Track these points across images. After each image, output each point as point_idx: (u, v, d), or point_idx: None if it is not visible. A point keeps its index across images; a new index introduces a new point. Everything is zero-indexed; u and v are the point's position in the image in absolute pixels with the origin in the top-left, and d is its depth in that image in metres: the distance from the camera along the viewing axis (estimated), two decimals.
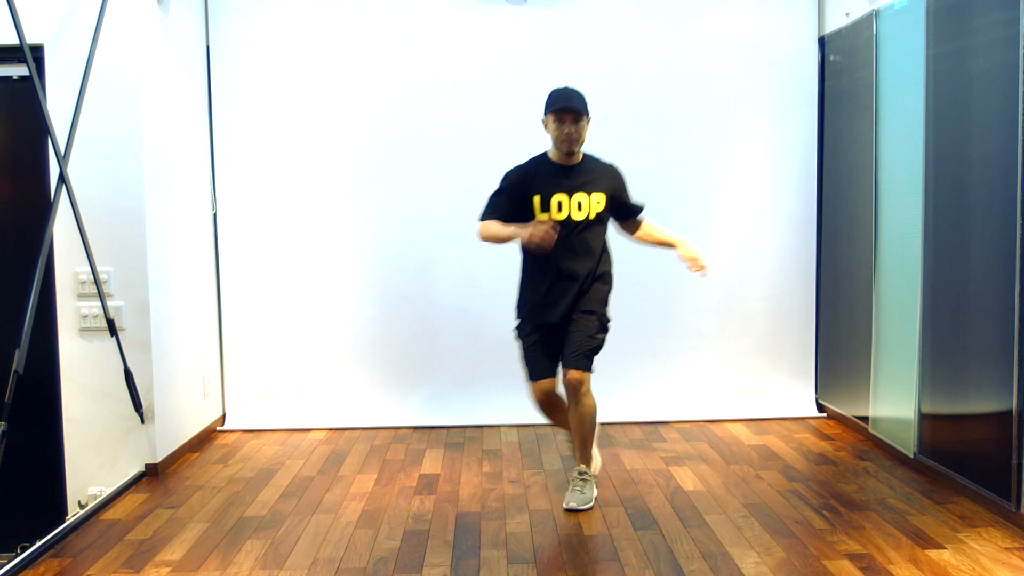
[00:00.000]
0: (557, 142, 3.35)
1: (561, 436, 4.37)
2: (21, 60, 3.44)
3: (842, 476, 3.67)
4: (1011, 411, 3.07)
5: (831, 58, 4.61)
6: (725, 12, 4.69)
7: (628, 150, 4.70)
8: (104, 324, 3.65)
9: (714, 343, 4.79)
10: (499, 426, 4.58)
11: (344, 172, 4.68)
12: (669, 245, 3.53)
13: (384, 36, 4.61)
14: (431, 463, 3.97)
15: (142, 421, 3.76)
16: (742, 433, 4.40)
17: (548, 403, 3.44)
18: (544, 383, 3.39)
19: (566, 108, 3.27)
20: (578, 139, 3.31)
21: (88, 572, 2.82)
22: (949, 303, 3.49)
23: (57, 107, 3.55)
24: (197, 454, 4.16)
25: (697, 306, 4.78)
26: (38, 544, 3.00)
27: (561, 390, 3.40)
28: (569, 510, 3.29)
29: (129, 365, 3.69)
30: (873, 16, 4.08)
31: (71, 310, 3.71)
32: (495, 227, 3.33)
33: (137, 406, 3.71)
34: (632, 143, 4.70)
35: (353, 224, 4.68)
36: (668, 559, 2.83)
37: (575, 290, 3.33)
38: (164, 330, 3.93)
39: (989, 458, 3.22)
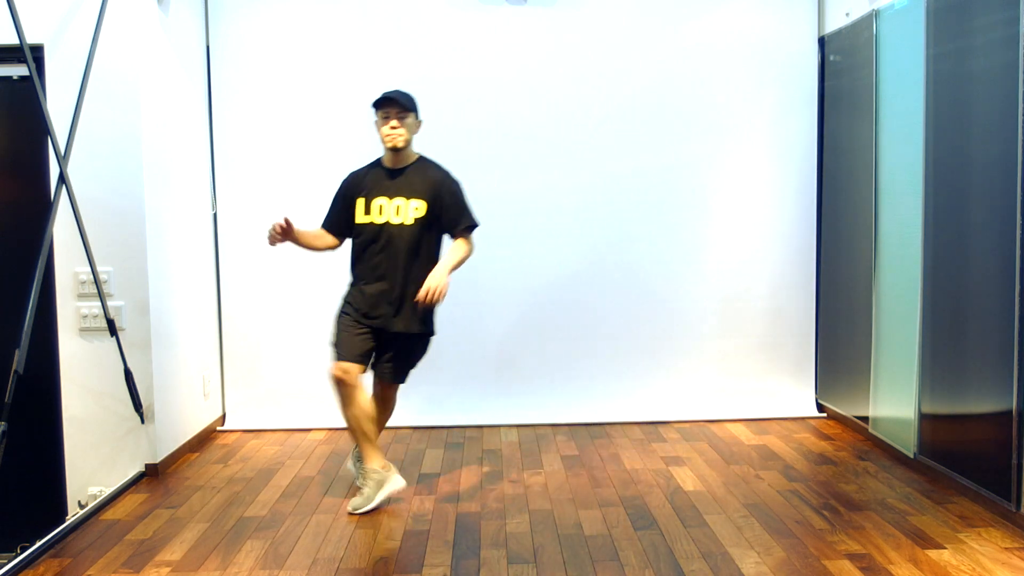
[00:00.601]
0: (382, 139, 3.36)
1: (561, 436, 4.37)
2: (21, 60, 3.44)
3: (842, 476, 3.67)
4: (1011, 411, 3.07)
5: (831, 58, 4.61)
6: (725, 12, 4.69)
7: (628, 150, 4.73)
8: (104, 324, 3.65)
9: (714, 343, 4.79)
10: (499, 426, 4.58)
11: (343, 172, 4.65)
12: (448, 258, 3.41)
13: (384, 36, 4.61)
14: (431, 463, 3.97)
15: (142, 421, 3.76)
16: (742, 433, 4.40)
17: (349, 390, 3.37)
18: (353, 367, 3.34)
19: (388, 99, 3.29)
20: (401, 135, 3.31)
21: (88, 572, 2.82)
22: (949, 303, 3.49)
23: (57, 107, 3.55)
24: (197, 454, 4.16)
25: (697, 306, 4.79)
26: (38, 544, 3.00)
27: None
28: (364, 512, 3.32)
29: (129, 365, 3.69)
30: (873, 16, 4.08)
31: (71, 310, 3.71)
32: (304, 238, 3.46)
33: (137, 406, 3.71)
34: (632, 143, 4.70)
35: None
36: (668, 559, 2.83)
37: (393, 296, 3.33)
38: (164, 330, 3.93)
39: (989, 458, 3.22)
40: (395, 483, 3.42)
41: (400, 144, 3.32)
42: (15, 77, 3.70)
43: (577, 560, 2.85)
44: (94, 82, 3.60)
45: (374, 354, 3.45)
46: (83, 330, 3.71)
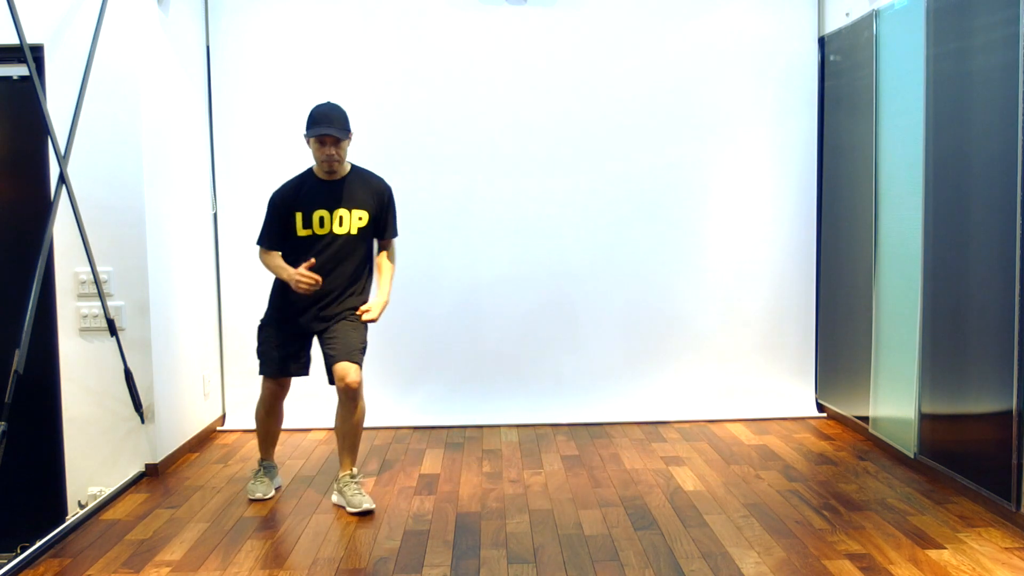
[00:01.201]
0: (318, 162, 3.41)
1: (561, 436, 4.37)
2: (21, 60, 3.45)
3: (842, 476, 3.67)
4: (1011, 411, 3.07)
5: (831, 58, 4.61)
6: (725, 12, 4.69)
7: (628, 150, 4.73)
8: (104, 324, 3.65)
9: (714, 343, 4.79)
10: (499, 426, 4.58)
11: None
12: (380, 284, 3.56)
13: (384, 36, 4.61)
14: (431, 463, 3.97)
15: (142, 421, 3.76)
16: (742, 433, 4.40)
17: (276, 403, 3.55)
18: (282, 381, 3.52)
19: (325, 135, 3.31)
20: (339, 159, 3.37)
21: (88, 572, 2.82)
22: (949, 303, 3.49)
23: (57, 107, 3.55)
24: (197, 454, 4.16)
25: (697, 306, 4.79)
26: (38, 544, 3.00)
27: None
28: (364, 513, 3.32)
29: (129, 365, 3.69)
30: (873, 16, 4.08)
31: (71, 310, 3.71)
32: (269, 259, 3.44)
33: (137, 406, 3.71)
34: (632, 143, 4.70)
35: None
36: (668, 559, 2.83)
37: (328, 304, 3.41)
38: (164, 330, 3.93)
39: (989, 458, 3.22)
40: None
41: (336, 168, 3.40)
42: (15, 77, 3.70)
43: (577, 560, 2.85)
44: (94, 82, 3.61)
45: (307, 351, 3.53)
46: (83, 330, 3.71)
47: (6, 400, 3.05)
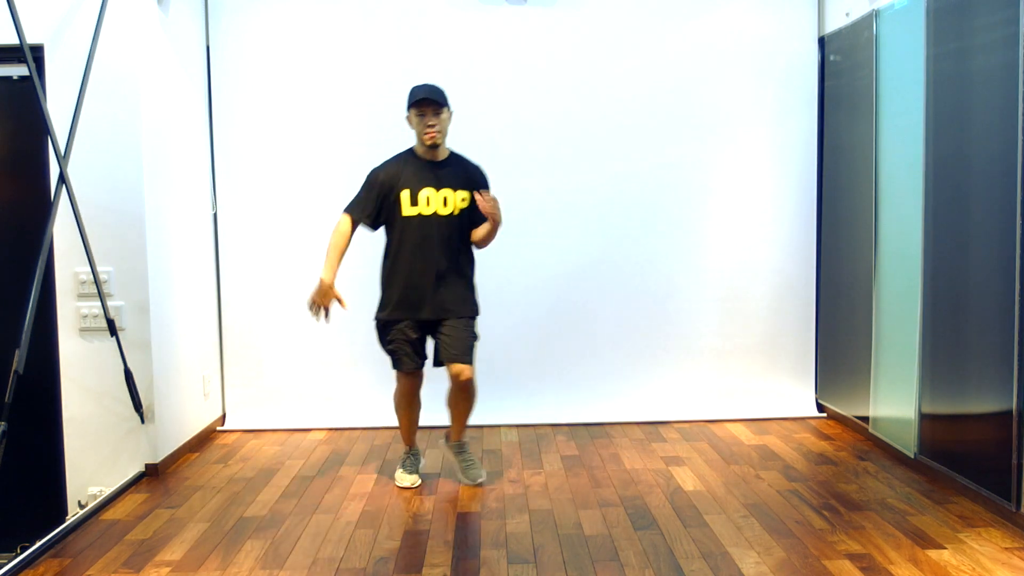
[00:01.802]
0: (420, 136, 3.41)
1: (561, 436, 4.37)
2: (21, 60, 3.44)
3: (842, 476, 3.67)
4: (1011, 411, 3.07)
5: (831, 58, 4.61)
6: (725, 12, 4.69)
7: (627, 150, 4.73)
8: (104, 324, 3.65)
9: (714, 343, 4.79)
10: (499, 426, 4.58)
11: (344, 172, 4.66)
12: (484, 228, 3.50)
13: (384, 36, 4.61)
14: (431, 463, 3.97)
15: (142, 421, 3.76)
16: (742, 433, 4.40)
17: (413, 396, 3.64)
18: (416, 375, 3.58)
19: (426, 99, 3.33)
20: (440, 131, 3.38)
21: (88, 572, 2.82)
22: (949, 303, 3.49)
23: (57, 107, 3.55)
24: (197, 454, 4.16)
25: (697, 306, 4.79)
26: (38, 544, 3.00)
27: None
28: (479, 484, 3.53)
29: (129, 365, 3.69)
30: (873, 16, 4.08)
31: (71, 310, 3.71)
32: (339, 237, 3.45)
33: (137, 406, 3.71)
34: (632, 143, 4.70)
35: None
36: (668, 559, 2.83)
37: (440, 286, 3.45)
38: (164, 330, 3.93)
39: (989, 458, 3.22)
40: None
41: (439, 141, 3.42)
42: (15, 77, 3.70)
43: (577, 560, 2.85)
44: (94, 82, 3.60)
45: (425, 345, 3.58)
46: (83, 330, 3.71)
47: (6, 400, 3.05)
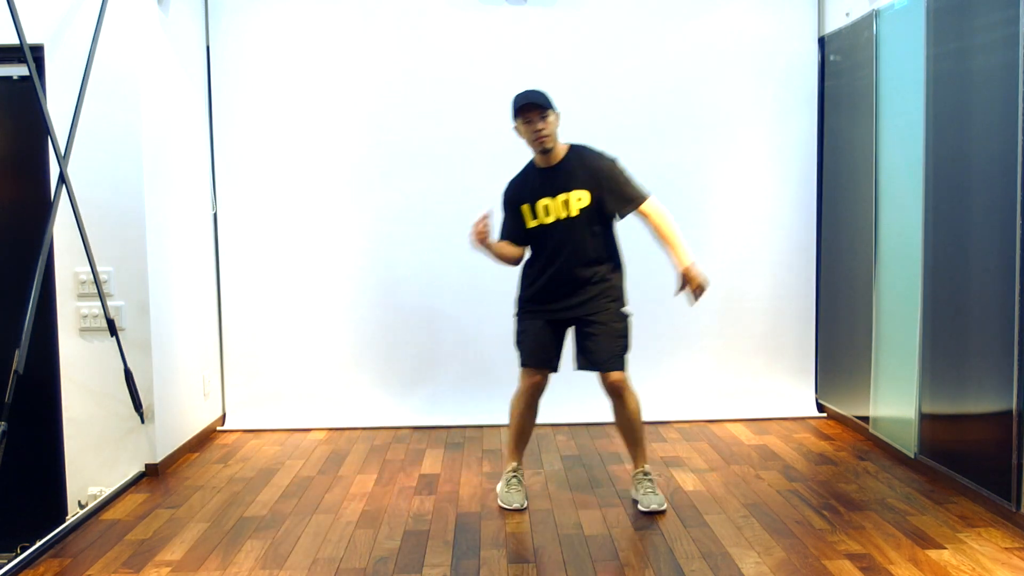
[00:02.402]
0: (531, 143, 3.31)
1: (561, 436, 4.37)
2: (21, 60, 3.44)
3: (842, 476, 3.67)
4: (1011, 411, 3.07)
5: (831, 58, 4.61)
6: (725, 12, 4.69)
7: (627, 150, 4.67)
8: (104, 324, 3.65)
9: (714, 343, 4.79)
10: (499, 426, 4.57)
11: (344, 172, 4.68)
12: (673, 255, 3.38)
13: (384, 36, 4.61)
14: (431, 463, 3.97)
15: (142, 421, 3.76)
16: (742, 433, 4.40)
17: (536, 398, 3.43)
18: (545, 372, 3.41)
19: (528, 104, 3.23)
20: (549, 134, 3.26)
21: (88, 572, 2.82)
22: (949, 303, 3.49)
23: (57, 107, 3.55)
24: (197, 454, 4.16)
25: (697, 306, 4.76)
26: (38, 544, 3.00)
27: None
28: (651, 512, 3.27)
29: (129, 365, 3.69)
30: (873, 16, 4.08)
31: (71, 310, 3.71)
32: (498, 249, 3.44)
33: (137, 406, 3.71)
34: (631, 143, 4.68)
35: (353, 224, 4.68)
36: (668, 559, 2.83)
37: (578, 290, 3.34)
38: (164, 330, 3.93)
39: (989, 458, 3.22)
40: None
41: (549, 145, 3.27)
42: (15, 77, 3.70)
43: (577, 560, 2.85)
44: (94, 82, 3.60)
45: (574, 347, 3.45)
46: (83, 330, 3.71)
47: (6, 400, 3.05)
